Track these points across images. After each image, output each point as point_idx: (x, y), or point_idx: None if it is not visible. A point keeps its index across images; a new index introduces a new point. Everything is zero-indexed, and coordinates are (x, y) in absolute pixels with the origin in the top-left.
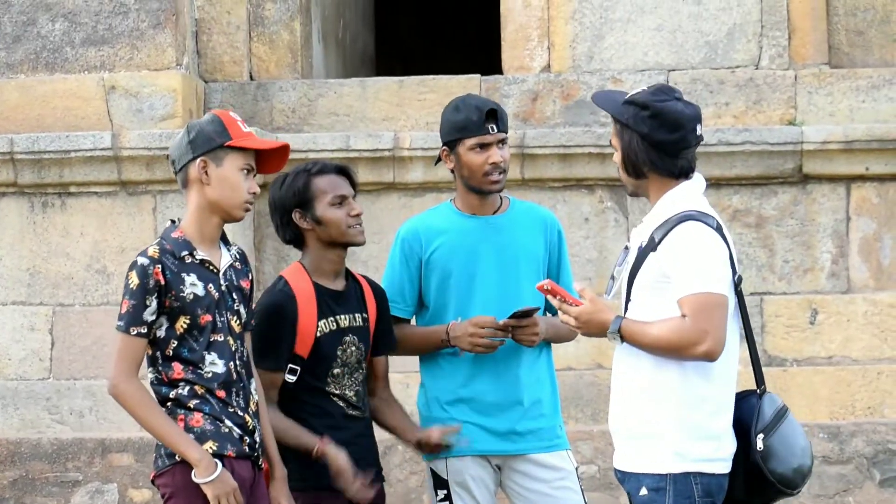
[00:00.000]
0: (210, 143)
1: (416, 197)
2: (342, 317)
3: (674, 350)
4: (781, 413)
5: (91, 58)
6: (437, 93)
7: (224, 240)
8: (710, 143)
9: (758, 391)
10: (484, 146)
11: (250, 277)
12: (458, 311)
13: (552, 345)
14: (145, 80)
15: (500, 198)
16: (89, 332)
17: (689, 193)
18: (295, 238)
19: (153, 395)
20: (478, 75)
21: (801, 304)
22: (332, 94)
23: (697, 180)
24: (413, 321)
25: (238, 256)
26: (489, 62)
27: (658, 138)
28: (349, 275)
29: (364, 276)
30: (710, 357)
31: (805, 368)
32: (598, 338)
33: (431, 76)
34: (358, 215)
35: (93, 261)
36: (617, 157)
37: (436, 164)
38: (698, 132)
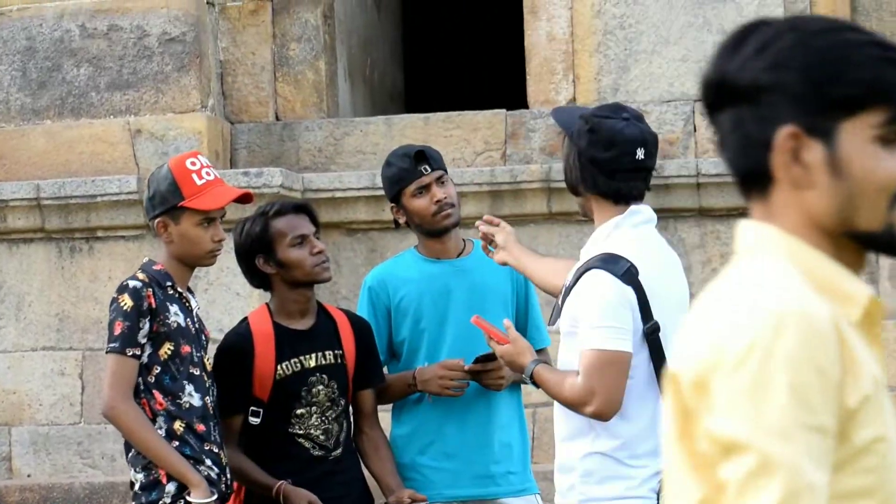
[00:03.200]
0: (165, 203)
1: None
2: (307, 357)
3: (570, 406)
4: None
5: (116, 102)
6: (462, 128)
7: (189, 290)
8: None
9: None
10: (423, 189)
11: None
12: (429, 356)
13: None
14: (171, 122)
15: (464, 241)
16: None
17: (620, 229)
18: (262, 282)
19: (147, 417)
20: (503, 110)
21: None
22: (357, 133)
23: (632, 214)
24: (385, 371)
25: (198, 306)
26: (517, 95)
27: (591, 154)
28: (322, 311)
29: (344, 311)
30: (601, 417)
31: None
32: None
33: (457, 112)
34: (320, 252)
35: None
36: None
37: (396, 227)
38: (638, 156)
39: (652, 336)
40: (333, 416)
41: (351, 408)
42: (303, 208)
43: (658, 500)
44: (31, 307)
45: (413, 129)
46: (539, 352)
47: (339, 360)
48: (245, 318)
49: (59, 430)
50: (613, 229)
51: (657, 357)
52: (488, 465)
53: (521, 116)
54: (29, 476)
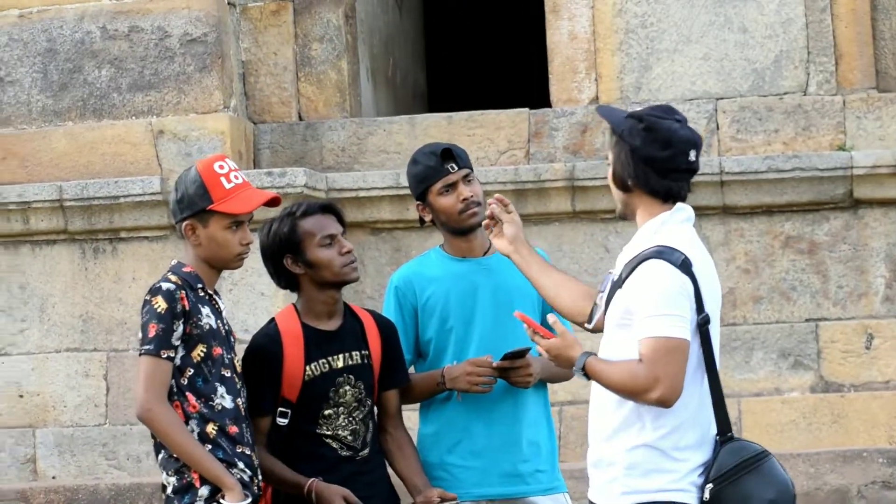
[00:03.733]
0: (193, 206)
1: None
2: (335, 357)
3: (629, 394)
4: (749, 463)
5: (138, 103)
6: (485, 128)
7: (215, 292)
8: (760, 170)
9: (717, 438)
10: (449, 187)
11: None
12: (457, 355)
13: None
14: (193, 123)
15: (489, 240)
16: None
17: (668, 225)
18: (290, 283)
19: (182, 420)
20: (526, 109)
21: (857, 329)
22: (381, 132)
23: (679, 211)
24: (412, 370)
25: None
26: (541, 94)
27: (647, 153)
28: (348, 311)
29: (370, 311)
30: (664, 403)
31: (862, 393)
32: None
33: (480, 111)
34: (349, 252)
35: None
36: (609, 171)
37: (422, 226)
38: (691, 157)
39: (703, 327)
40: (360, 416)
41: (375, 408)
42: (330, 208)
43: (701, 493)
44: (54, 309)
45: (436, 128)
46: None
47: (366, 361)
48: (272, 319)
49: (84, 431)
50: (661, 225)
51: (707, 348)
52: (516, 464)
53: (544, 115)
54: (54, 478)
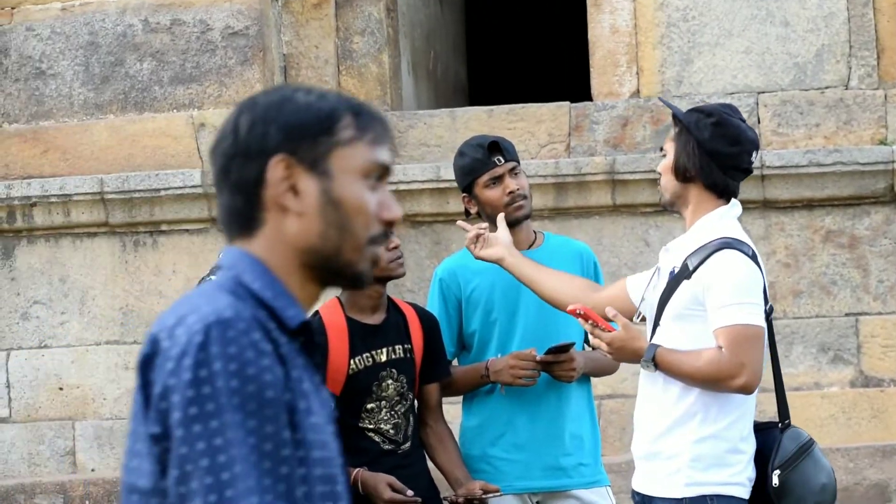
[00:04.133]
0: None
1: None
2: (379, 351)
3: (710, 382)
4: (804, 448)
5: (179, 96)
6: (526, 121)
7: None
8: (801, 164)
9: (780, 425)
10: (496, 179)
11: None
12: (500, 347)
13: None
14: None
15: (535, 233)
16: None
17: (725, 220)
18: None
19: None
20: (567, 103)
21: None
22: (421, 125)
23: (734, 206)
24: (455, 363)
25: None
26: (582, 87)
27: (715, 147)
28: (392, 305)
29: (412, 304)
30: (747, 390)
31: None
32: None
33: (520, 105)
34: (396, 248)
35: None
36: (666, 161)
37: (467, 218)
38: (753, 158)
39: (769, 317)
40: (402, 410)
41: (416, 402)
42: None
43: (770, 481)
44: (94, 301)
45: (477, 121)
46: None
47: (408, 355)
48: (316, 312)
49: (124, 424)
50: (719, 219)
51: (771, 337)
52: (559, 457)
53: (584, 109)
54: (93, 470)
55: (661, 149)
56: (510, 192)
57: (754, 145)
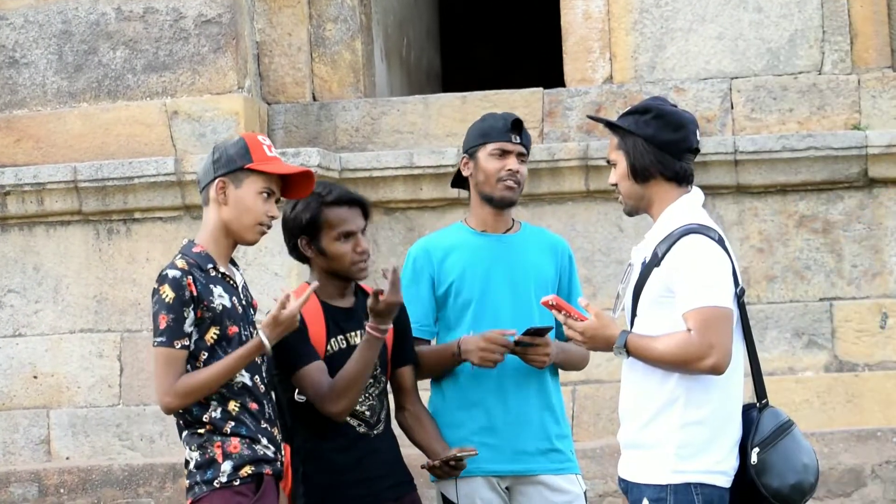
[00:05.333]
0: (231, 164)
1: None
2: (353, 333)
3: (680, 364)
4: (784, 428)
5: (153, 84)
6: (500, 107)
7: (232, 262)
8: (774, 149)
9: (758, 405)
10: (504, 153)
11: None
12: (473, 326)
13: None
14: (207, 104)
15: (513, 220)
16: None
17: (690, 207)
18: (303, 258)
19: (189, 369)
20: (541, 89)
21: (871, 308)
22: (395, 112)
23: (696, 193)
24: (434, 342)
25: (243, 279)
26: (555, 73)
27: (664, 138)
28: (358, 289)
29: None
30: (717, 371)
31: (877, 373)
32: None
33: (494, 91)
34: (363, 252)
35: None
36: (618, 170)
37: (453, 186)
38: (697, 135)
39: (740, 299)
40: (376, 392)
41: (390, 386)
42: (358, 202)
43: (747, 460)
44: (68, 289)
45: (450, 108)
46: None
47: None
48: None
49: (98, 412)
50: (685, 207)
51: (744, 319)
52: (529, 442)
53: (557, 95)
54: (68, 458)
55: (608, 161)
56: (509, 170)
57: (694, 124)
